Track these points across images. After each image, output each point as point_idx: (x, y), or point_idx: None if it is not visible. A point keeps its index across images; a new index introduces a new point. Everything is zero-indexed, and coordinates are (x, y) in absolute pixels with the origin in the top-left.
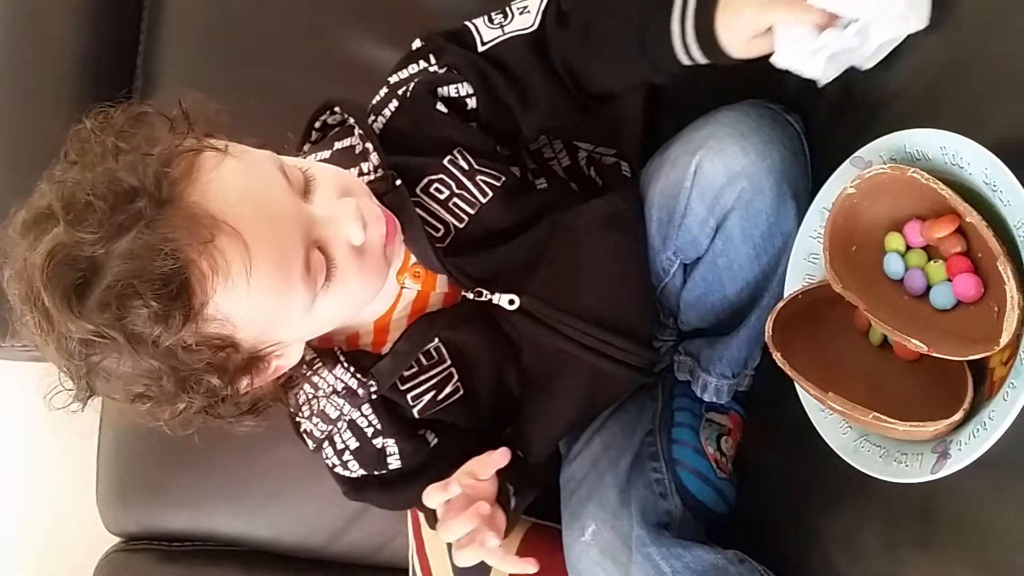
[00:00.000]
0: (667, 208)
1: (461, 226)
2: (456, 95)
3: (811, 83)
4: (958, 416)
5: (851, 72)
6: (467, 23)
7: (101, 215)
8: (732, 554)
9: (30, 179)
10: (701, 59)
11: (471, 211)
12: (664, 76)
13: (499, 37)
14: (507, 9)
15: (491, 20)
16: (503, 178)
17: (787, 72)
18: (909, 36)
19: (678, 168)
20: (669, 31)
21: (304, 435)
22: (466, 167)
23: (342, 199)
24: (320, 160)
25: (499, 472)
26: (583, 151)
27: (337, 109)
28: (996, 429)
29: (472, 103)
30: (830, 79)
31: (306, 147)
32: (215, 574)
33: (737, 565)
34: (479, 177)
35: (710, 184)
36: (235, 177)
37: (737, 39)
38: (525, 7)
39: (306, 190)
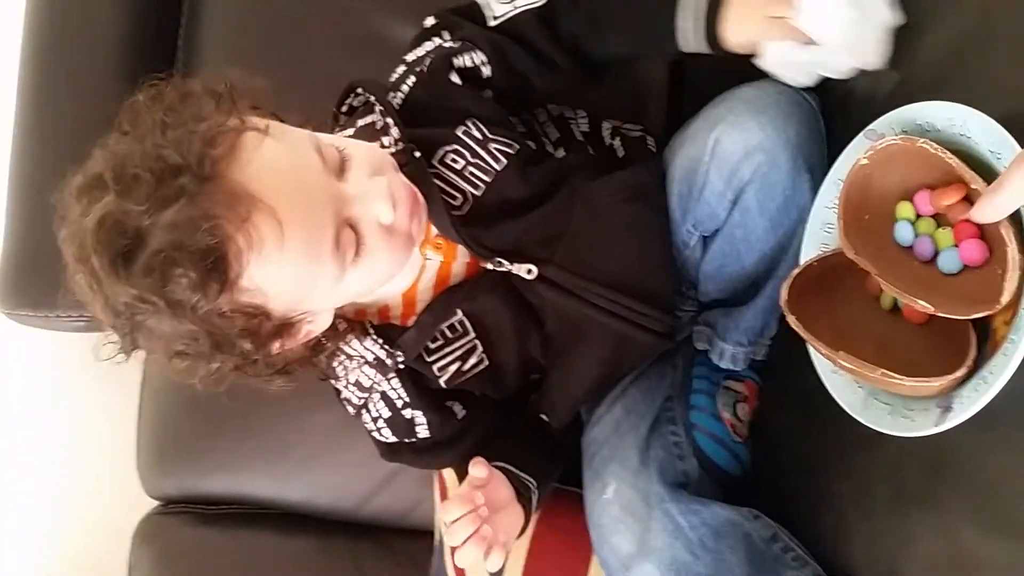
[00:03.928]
0: (687, 182)
1: (479, 194)
2: (471, 64)
3: None
4: (961, 372)
5: None
6: (477, 0)
7: (147, 188)
8: (747, 511)
9: (79, 150)
10: (699, 50)
11: (487, 179)
12: (662, 55)
13: (510, 12)
14: None
15: None
16: (517, 147)
17: None
18: (919, 15)
19: (697, 143)
20: (674, 22)
21: (344, 402)
22: (479, 137)
23: (374, 178)
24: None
25: (521, 467)
26: (608, 123)
27: (360, 90)
28: (996, 383)
29: (487, 71)
30: (802, 85)
31: (335, 130)
32: (249, 535)
33: (752, 521)
34: (492, 146)
35: (728, 158)
36: (273, 157)
37: (736, 41)
38: None
39: (341, 169)
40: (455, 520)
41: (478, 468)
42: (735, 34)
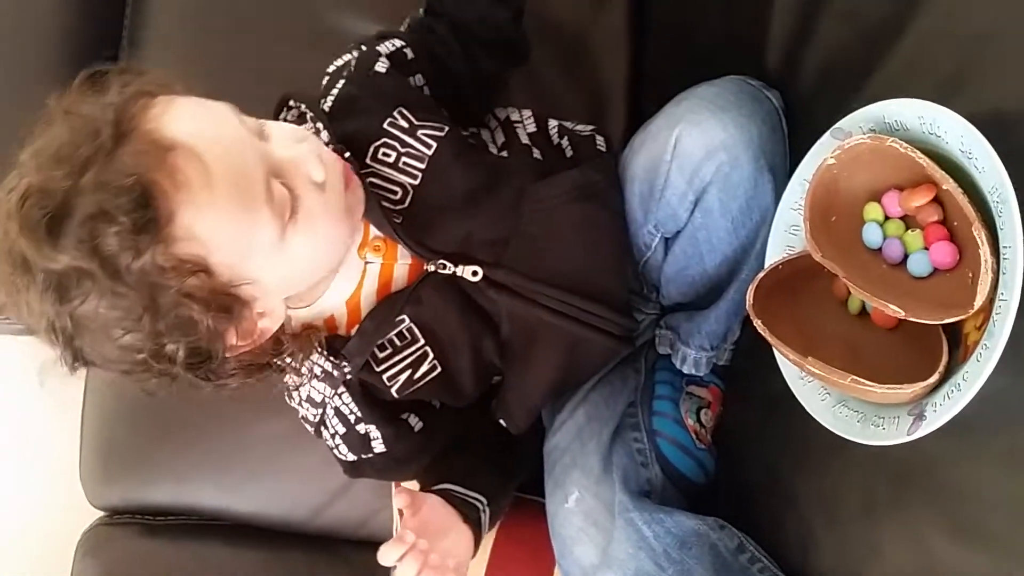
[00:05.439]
0: (648, 182)
1: (416, 183)
2: (394, 48)
3: (790, 59)
4: (933, 379)
5: (832, 47)
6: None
7: (67, 154)
8: (713, 520)
9: (17, 148)
10: None
11: (421, 165)
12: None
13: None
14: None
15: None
16: (445, 128)
17: (767, 48)
18: (888, 11)
19: (659, 142)
20: None
21: (303, 421)
22: (406, 125)
23: (299, 143)
24: None
25: (471, 484)
26: (554, 122)
27: (292, 102)
28: (969, 389)
29: (410, 53)
30: None
31: None
32: (197, 548)
33: (718, 531)
34: (420, 132)
35: (689, 158)
36: (189, 108)
37: None
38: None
39: (262, 136)
40: (398, 558)
41: (399, 498)
42: None
